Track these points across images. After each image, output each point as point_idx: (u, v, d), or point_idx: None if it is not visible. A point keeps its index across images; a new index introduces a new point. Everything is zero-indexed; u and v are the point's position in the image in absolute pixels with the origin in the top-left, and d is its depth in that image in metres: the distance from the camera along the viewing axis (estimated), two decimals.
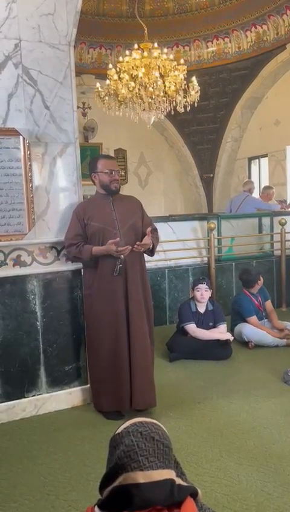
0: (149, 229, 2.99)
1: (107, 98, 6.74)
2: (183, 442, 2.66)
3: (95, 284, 2.99)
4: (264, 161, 9.95)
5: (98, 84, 6.95)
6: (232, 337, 4.16)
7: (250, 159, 10.33)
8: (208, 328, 4.19)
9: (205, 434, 2.76)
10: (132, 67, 6.36)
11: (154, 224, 3.18)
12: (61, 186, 3.11)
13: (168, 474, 1.10)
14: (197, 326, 4.16)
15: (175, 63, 6.59)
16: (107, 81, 6.65)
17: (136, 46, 6.53)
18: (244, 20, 9.05)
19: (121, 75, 6.45)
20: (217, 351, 4.05)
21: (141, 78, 6.18)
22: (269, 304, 4.76)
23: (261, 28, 8.91)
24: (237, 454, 2.51)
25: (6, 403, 3.02)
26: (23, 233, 2.99)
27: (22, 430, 2.92)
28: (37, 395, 3.12)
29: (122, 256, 2.88)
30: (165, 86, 6.46)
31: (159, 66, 6.44)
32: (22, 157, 2.95)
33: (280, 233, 5.73)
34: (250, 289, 4.67)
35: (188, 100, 6.65)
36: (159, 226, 3.35)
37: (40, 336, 3.10)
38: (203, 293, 4.23)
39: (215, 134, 10.27)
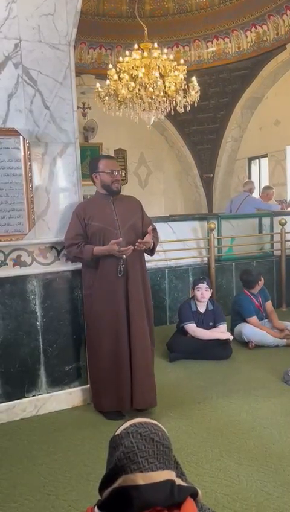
0: (150, 227, 3.00)
1: (107, 98, 6.74)
2: (183, 442, 2.66)
3: (96, 284, 2.98)
4: (264, 161, 9.96)
5: (98, 84, 6.96)
6: (232, 337, 4.17)
7: (250, 159, 10.33)
8: (208, 327, 4.19)
9: (205, 434, 2.76)
10: (132, 68, 6.37)
11: (154, 224, 3.17)
12: (61, 186, 3.11)
13: (168, 475, 1.10)
14: (197, 326, 4.16)
15: (175, 63, 6.60)
16: (107, 81, 6.65)
17: (136, 46, 6.54)
18: (244, 20, 9.06)
19: (121, 75, 6.46)
20: (217, 351, 4.05)
21: (141, 78, 6.19)
22: (269, 305, 4.76)
23: (261, 28, 8.91)
24: (237, 454, 2.51)
25: (6, 403, 3.02)
26: (23, 233, 2.99)
27: (22, 430, 2.92)
28: (37, 395, 3.12)
29: (124, 256, 2.88)
30: (165, 86, 6.46)
31: (159, 66, 6.45)
32: (22, 158, 2.95)
33: (280, 233, 5.73)
34: (250, 289, 4.67)
35: (188, 100, 6.66)
36: (159, 226, 3.35)
37: (40, 336, 3.10)
38: (203, 293, 4.23)
39: (215, 134, 10.28)
